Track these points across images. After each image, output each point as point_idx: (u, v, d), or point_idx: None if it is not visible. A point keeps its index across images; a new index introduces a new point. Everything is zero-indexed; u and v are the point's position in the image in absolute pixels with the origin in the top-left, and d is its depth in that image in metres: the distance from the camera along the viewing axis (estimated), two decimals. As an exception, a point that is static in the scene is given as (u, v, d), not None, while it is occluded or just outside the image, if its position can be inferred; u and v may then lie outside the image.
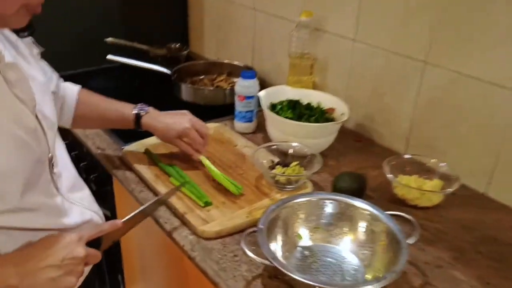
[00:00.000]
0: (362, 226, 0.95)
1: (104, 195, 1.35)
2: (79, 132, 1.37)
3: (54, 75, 1.05)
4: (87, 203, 0.97)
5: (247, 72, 1.37)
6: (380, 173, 1.24)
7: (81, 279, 0.85)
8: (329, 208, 0.98)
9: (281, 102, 1.32)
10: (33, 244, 0.80)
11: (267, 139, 1.36)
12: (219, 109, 1.55)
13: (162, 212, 1.07)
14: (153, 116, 1.15)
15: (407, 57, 1.25)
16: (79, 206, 0.93)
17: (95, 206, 1.00)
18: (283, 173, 1.13)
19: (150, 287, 1.37)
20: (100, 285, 1.57)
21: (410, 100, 1.28)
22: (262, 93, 1.33)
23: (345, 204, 0.97)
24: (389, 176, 1.12)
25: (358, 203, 0.97)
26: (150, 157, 1.22)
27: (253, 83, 1.36)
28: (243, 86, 1.36)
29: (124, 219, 0.91)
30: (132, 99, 1.18)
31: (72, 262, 0.78)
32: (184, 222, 1.03)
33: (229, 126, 1.46)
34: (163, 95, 1.66)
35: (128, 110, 1.15)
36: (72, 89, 1.13)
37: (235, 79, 1.73)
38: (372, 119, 1.40)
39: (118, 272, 1.53)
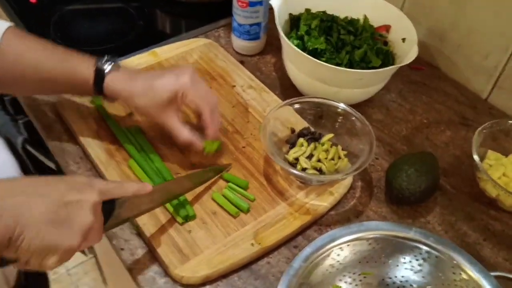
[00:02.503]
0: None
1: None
2: None
3: None
4: None
5: (252, -41, 0.84)
6: (454, 136, 0.83)
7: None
8: (394, 248, 0.59)
9: (308, 18, 0.82)
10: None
11: (281, 68, 0.90)
12: (208, 9, 1.04)
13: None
14: (126, 74, 0.68)
15: None
16: None
17: None
18: (308, 157, 0.71)
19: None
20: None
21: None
22: (275, 1, 0.82)
23: (427, 252, 0.58)
24: (477, 161, 0.70)
25: (450, 252, 0.57)
26: (101, 114, 0.78)
27: (262, -20, 0.84)
28: (245, -15, 0.84)
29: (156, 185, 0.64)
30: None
31: (78, 209, 0.50)
32: (152, 252, 0.65)
33: (223, 40, 0.97)
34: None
35: (85, 65, 0.67)
36: None
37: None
38: (442, 37, 0.91)
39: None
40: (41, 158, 0.97)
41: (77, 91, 0.72)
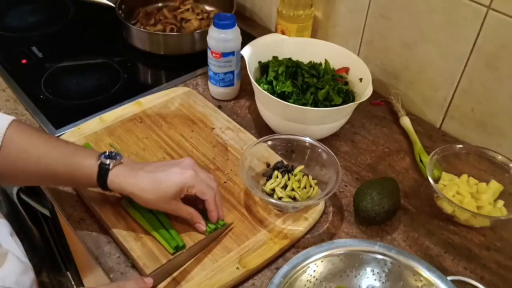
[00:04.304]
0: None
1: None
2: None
3: None
4: None
5: (224, 17, 0.94)
6: (413, 162, 0.92)
7: None
8: (363, 261, 0.67)
9: (275, 64, 0.92)
10: None
11: (255, 110, 0.99)
12: (185, 60, 1.14)
13: (114, 258, 0.74)
14: (130, 169, 0.71)
15: (459, -5, 0.85)
16: None
17: None
18: (283, 187, 0.79)
19: None
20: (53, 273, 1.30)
21: (459, 54, 0.90)
22: (246, 51, 0.92)
23: (391, 262, 0.66)
24: (432, 182, 0.79)
25: (410, 261, 0.65)
26: (92, 159, 0.85)
27: (233, 34, 0.95)
28: (218, 38, 0.94)
29: (153, 271, 0.66)
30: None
31: None
32: (146, 281, 0.71)
33: (201, 87, 1.07)
34: (106, 37, 1.22)
35: (89, 159, 0.70)
36: None
37: (208, 8, 1.29)
38: (396, 76, 1.03)
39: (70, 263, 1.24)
40: (35, 205, 1.02)
41: (79, 185, 0.77)
